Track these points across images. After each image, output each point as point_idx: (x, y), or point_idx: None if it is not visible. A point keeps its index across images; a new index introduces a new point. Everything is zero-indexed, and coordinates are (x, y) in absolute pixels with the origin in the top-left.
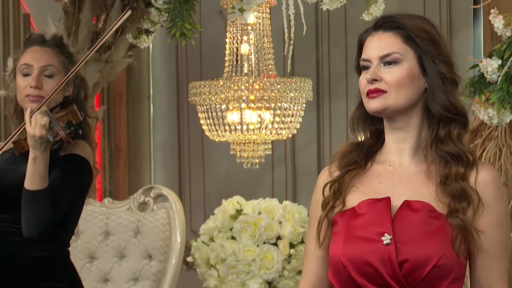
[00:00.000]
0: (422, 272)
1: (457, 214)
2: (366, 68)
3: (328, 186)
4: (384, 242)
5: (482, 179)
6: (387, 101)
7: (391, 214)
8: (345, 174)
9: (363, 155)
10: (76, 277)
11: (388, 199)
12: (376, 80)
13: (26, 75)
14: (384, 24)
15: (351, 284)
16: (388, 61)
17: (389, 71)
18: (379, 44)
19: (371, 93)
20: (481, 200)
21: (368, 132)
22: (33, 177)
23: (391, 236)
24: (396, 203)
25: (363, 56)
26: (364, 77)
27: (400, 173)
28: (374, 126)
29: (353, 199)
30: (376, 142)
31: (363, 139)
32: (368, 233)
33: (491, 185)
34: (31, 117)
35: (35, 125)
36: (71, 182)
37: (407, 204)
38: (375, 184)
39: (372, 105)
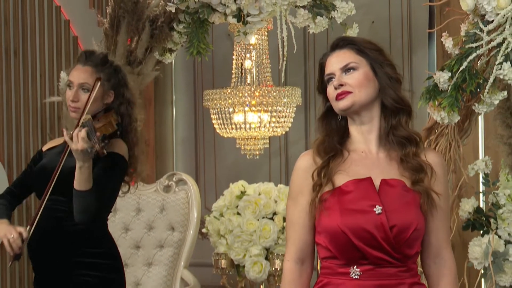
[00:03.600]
0: (406, 234)
1: (419, 183)
2: (331, 79)
3: (316, 171)
4: (376, 212)
5: (432, 159)
6: (353, 99)
7: (376, 190)
8: (329, 161)
9: (337, 146)
10: (114, 244)
11: (370, 179)
12: (341, 85)
13: (69, 88)
14: (338, 44)
15: (350, 247)
16: (347, 69)
17: (350, 77)
18: (338, 59)
19: (340, 96)
20: (434, 172)
21: (332, 129)
22: (80, 181)
23: (381, 207)
24: (375, 182)
25: (326, 72)
26: (331, 86)
27: (371, 158)
28: (338, 124)
29: (340, 180)
30: (342, 135)
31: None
32: (361, 206)
33: (440, 165)
34: (70, 138)
35: (76, 140)
36: (111, 177)
37: (385, 182)
38: (354, 168)
39: (342, 104)
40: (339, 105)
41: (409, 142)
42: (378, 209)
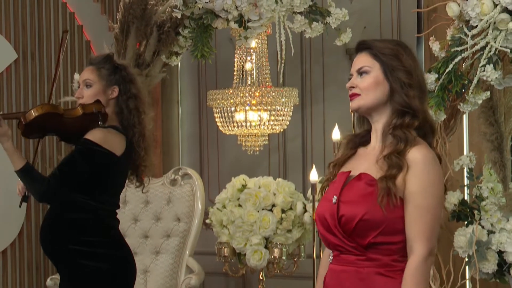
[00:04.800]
0: (351, 224)
1: (385, 178)
2: (349, 80)
3: (331, 164)
4: (333, 201)
5: (412, 156)
6: (360, 102)
7: (344, 182)
8: (342, 156)
9: (357, 143)
10: (114, 234)
11: (348, 172)
12: (353, 87)
13: (78, 87)
14: (359, 47)
15: (320, 233)
16: (361, 72)
17: (361, 80)
18: (356, 62)
19: (351, 97)
20: (409, 170)
21: (364, 127)
22: (12, 162)
23: (336, 197)
24: (356, 174)
25: (350, 71)
26: None
27: (369, 153)
28: (368, 124)
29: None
30: (368, 133)
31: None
32: (329, 195)
33: (418, 162)
34: None
35: None
36: (74, 161)
37: (358, 176)
38: (352, 162)
39: (351, 105)
40: (351, 105)
41: (401, 141)
42: (334, 199)
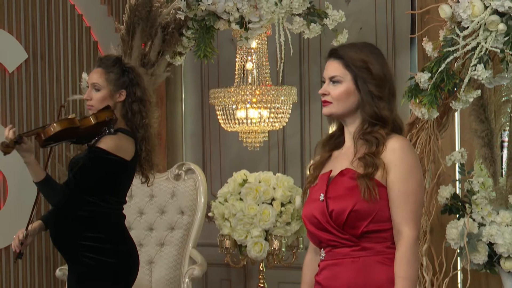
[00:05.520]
0: (343, 217)
1: (363, 178)
2: (323, 82)
3: (311, 167)
4: (320, 199)
5: (389, 146)
6: (331, 109)
7: (328, 180)
8: (320, 158)
9: (332, 145)
10: (118, 230)
11: (330, 171)
12: (325, 94)
13: (86, 87)
14: (333, 54)
15: (309, 233)
16: (333, 80)
17: (333, 88)
18: (329, 68)
19: (323, 103)
20: (386, 163)
21: (337, 126)
22: (31, 174)
23: (323, 195)
24: (336, 173)
25: (323, 75)
26: None
27: (346, 153)
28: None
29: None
30: (341, 134)
31: (334, 128)
32: (315, 195)
33: (396, 150)
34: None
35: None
36: (85, 168)
37: (340, 173)
38: (331, 163)
39: (323, 111)
40: (323, 111)
41: (372, 144)
42: (322, 196)
